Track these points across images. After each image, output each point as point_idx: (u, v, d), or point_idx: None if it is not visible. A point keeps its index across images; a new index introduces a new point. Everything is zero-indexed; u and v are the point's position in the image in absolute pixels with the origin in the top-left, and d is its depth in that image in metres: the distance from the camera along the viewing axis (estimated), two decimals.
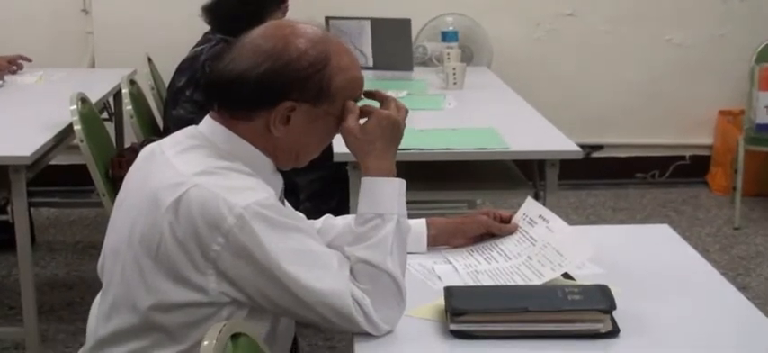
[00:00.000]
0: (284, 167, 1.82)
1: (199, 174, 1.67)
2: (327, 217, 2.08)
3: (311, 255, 1.68)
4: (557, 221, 2.04)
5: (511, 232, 2.11)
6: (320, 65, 1.71)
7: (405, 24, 4.55)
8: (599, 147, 5.71)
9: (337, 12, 4.54)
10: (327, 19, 4.55)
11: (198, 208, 1.62)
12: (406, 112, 1.85)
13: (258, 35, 1.75)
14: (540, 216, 2.08)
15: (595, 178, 5.64)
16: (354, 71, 1.78)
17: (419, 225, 2.11)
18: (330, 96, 1.73)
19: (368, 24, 4.44)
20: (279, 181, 1.82)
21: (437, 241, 2.13)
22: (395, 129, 1.81)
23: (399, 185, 1.79)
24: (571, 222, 2.05)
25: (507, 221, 2.13)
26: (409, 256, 1.84)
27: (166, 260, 1.65)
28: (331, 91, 1.73)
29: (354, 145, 1.79)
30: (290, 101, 1.71)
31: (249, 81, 1.70)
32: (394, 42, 4.53)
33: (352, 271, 1.73)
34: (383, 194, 1.77)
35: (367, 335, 1.71)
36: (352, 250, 1.75)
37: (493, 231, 2.12)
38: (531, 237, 2.06)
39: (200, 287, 1.65)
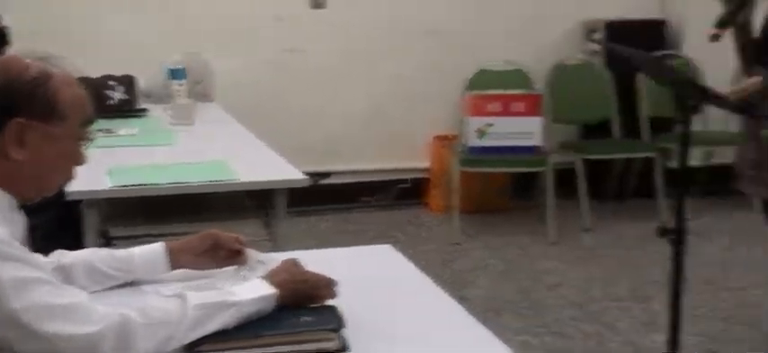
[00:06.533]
0: (29, 199, 1.79)
1: None
2: (60, 252, 2.05)
3: (42, 283, 1.63)
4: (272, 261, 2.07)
5: (240, 243, 2.17)
6: (43, 79, 1.73)
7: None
8: (327, 174, 5.91)
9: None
10: None
11: None
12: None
13: None
14: (259, 261, 2.13)
15: (324, 204, 5.84)
16: (79, 90, 1.80)
17: (157, 250, 2.12)
18: (59, 114, 1.74)
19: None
20: (20, 219, 1.80)
21: (179, 263, 2.14)
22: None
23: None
24: (303, 247, 2.13)
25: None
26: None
27: None
28: (59, 107, 1.73)
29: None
30: (19, 117, 1.70)
31: None
32: None
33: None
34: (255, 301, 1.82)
35: None
36: (192, 295, 1.76)
37: (222, 242, 2.16)
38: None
39: None
